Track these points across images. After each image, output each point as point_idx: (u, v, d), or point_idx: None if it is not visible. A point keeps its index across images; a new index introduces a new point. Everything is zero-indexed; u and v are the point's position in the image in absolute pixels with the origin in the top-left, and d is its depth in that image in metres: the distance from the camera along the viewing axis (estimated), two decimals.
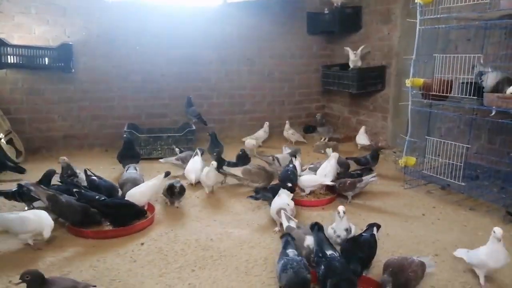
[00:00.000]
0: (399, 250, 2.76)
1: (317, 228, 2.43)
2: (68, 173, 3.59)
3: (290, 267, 2.10)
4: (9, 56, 4.55)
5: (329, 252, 2.20)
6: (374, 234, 2.51)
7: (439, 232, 3.07)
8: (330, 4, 5.84)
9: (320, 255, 2.21)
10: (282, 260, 2.18)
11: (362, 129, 5.41)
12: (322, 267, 2.12)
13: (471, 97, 3.47)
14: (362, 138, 5.34)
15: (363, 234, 2.53)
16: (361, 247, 2.38)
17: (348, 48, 5.53)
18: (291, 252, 2.25)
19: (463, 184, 3.58)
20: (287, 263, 2.13)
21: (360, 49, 5.44)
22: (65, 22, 4.88)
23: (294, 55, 6.22)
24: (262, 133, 5.58)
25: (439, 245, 2.85)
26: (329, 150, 4.31)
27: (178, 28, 5.40)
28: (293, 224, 2.74)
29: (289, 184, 3.43)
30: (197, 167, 3.93)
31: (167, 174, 3.44)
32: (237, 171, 3.85)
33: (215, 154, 4.36)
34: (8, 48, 4.53)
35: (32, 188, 2.99)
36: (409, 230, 3.09)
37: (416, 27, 3.88)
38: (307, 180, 3.72)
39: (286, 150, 4.52)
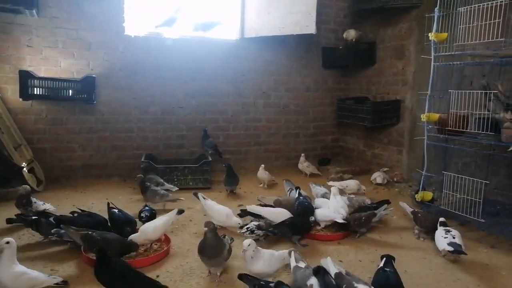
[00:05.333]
0: None
1: (322, 272, 2.36)
2: (23, 202, 3.57)
3: None
4: (35, 88, 4.74)
5: None
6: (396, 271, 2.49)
7: (460, 270, 2.99)
8: (344, 40, 5.99)
9: None
10: None
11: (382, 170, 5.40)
12: None
13: (488, 132, 3.47)
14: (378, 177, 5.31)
15: (386, 269, 2.48)
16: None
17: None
18: None
19: (482, 220, 3.50)
20: None
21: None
22: (90, 56, 5.09)
23: (309, 88, 6.33)
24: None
25: (460, 284, 2.78)
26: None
27: (196, 61, 5.59)
28: (301, 264, 2.63)
29: (312, 218, 3.45)
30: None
31: (180, 211, 3.38)
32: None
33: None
34: (35, 81, 4.74)
35: (63, 231, 3.02)
36: (428, 268, 3.02)
37: (430, 63, 3.94)
38: (321, 214, 3.65)
39: (314, 188, 4.35)
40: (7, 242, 2.45)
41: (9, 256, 2.44)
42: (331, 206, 3.73)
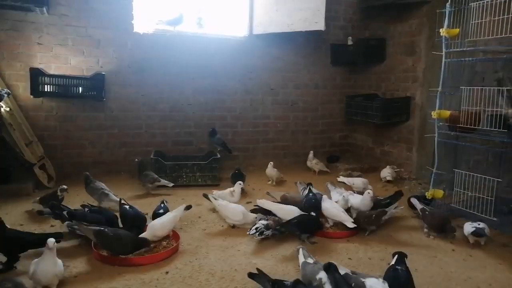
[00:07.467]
0: (429, 287, 2.67)
1: (332, 268, 2.36)
2: None
3: None
4: (46, 85, 4.78)
5: None
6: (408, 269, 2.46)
7: (471, 269, 2.96)
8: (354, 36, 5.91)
9: None
10: None
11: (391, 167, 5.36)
12: None
13: (501, 130, 3.42)
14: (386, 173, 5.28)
15: (398, 267, 2.46)
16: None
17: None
18: None
19: (494, 219, 3.46)
20: None
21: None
22: (99, 53, 5.12)
23: (318, 85, 6.30)
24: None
25: (471, 283, 2.75)
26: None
27: (204, 58, 5.58)
28: (310, 260, 2.65)
29: (313, 213, 3.43)
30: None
31: (188, 207, 3.42)
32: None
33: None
34: (46, 78, 4.77)
35: (76, 227, 3.04)
36: (439, 266, 2.99)
37: (441, 59, 3.89)
38: (330, 213, 3.60)
39: (332, 189, 4.21)
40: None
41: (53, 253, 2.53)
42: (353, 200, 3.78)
